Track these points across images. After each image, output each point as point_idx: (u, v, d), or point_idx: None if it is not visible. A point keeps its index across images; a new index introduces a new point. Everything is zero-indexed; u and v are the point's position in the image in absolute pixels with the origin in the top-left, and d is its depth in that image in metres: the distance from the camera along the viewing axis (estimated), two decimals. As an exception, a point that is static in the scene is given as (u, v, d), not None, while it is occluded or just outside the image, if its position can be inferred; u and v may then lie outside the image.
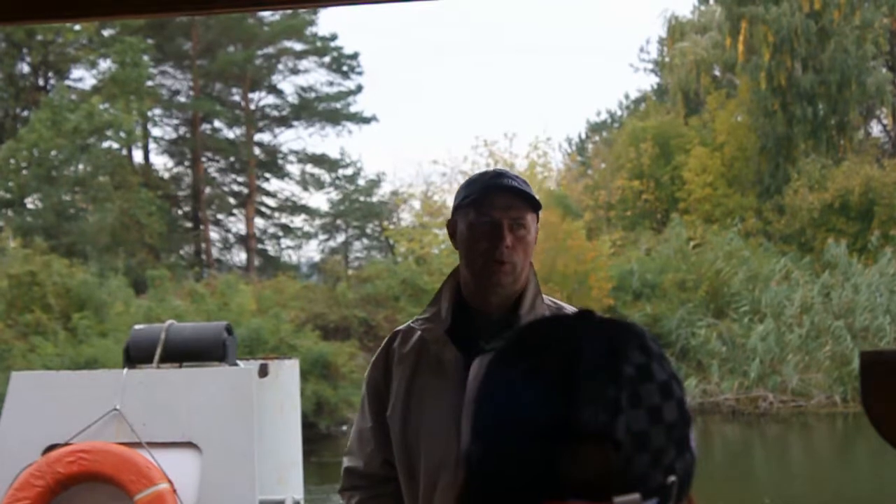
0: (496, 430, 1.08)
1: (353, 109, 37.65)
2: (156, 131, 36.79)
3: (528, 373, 1.08)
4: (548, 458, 1.04)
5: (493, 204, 2.63)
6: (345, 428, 22.33)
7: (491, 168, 2.91)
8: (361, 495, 2.81)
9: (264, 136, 38.38)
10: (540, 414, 1.05)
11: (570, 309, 2.66)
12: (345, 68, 37.43)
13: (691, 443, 1.11)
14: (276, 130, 38.23)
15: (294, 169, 38.13)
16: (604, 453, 1.04)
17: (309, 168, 37.91)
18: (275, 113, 38.26)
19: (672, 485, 1.07)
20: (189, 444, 5.56)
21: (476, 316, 2.68)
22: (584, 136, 43.29)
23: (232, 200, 37.86)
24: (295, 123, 38.00)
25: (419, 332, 2.74)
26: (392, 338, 2.81)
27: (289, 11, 34.09)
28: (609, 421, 1.04)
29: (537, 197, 2.66)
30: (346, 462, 2.85)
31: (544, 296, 2.73)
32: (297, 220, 38.36)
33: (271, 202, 38.50)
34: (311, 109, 37.59)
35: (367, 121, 37.60)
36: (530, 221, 2.64)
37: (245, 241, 36.85)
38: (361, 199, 37.22)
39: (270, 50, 37.16)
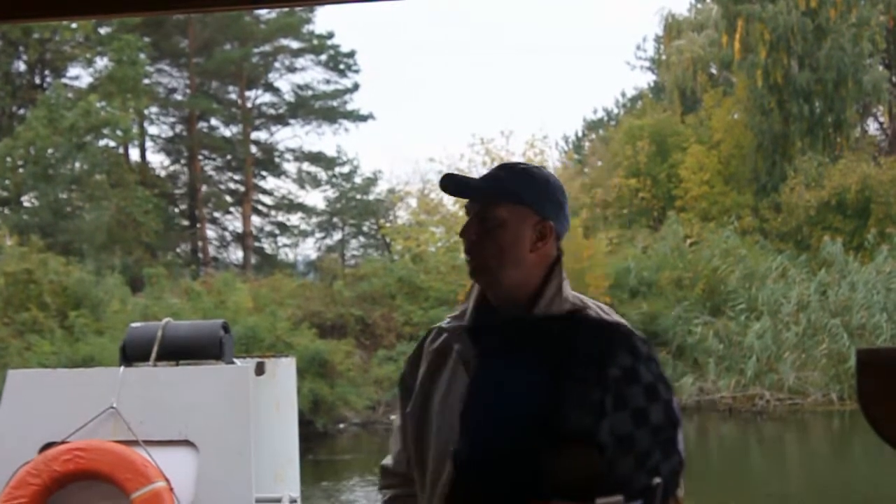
0: (483, 428, 1.08)
1: (349, 107, 37.70)
2: (152, 129, 36.83)
3: (517, 373, 1.08)
4: (533, 458, 1.04)
5: (466, 200, 2.62)
6: (341, 426, 22.31)
7: (489, 165, 2.90)
8: (392, 493, 2.79)
9: (261, 134, 38.43)
10: (526, 414, 1.05)
11: (593, 307, 2.61)
12: (341, 66, 37.44)
13: (678, 445, 1.10)
14: (273, 128, 38.27)
15: (291, 167, 38.19)
16: (588, 455, 1.04)
17: (305, 166, 37.94)
18: (271, 111, 38.26)
19: (657, 486, 1.07)
20: (186, 443, 5.56)
21: (491, 313, 2.62)
22: (580, 133, 43.34)
23: (228, 198, 37.86)
24: (291, 121, 38.02)
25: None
26: (426, 335, 2.77)
27: (285, 9, 34.07)
28: (593, 424, 1.04)
29: (511, 188, 2.54)
30: (383, 460, 2.85)
31: (573, 293, 2.62)
32: (294, 218, 38.41)
33: (268, 200, 38.53)
34: (308, 107, 37.59)
35: (363, 119, 37.65)
36: (505, 214, 2.53)
37: (242, 239, 36.85)
38: (358, 197, 37.22)
39: (267, 48, 37.15)
